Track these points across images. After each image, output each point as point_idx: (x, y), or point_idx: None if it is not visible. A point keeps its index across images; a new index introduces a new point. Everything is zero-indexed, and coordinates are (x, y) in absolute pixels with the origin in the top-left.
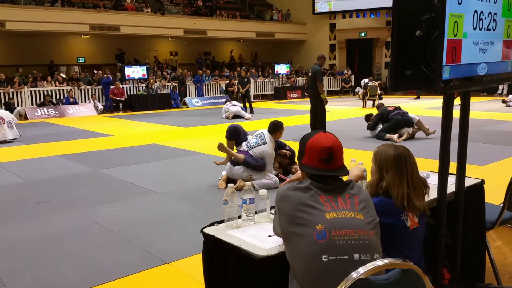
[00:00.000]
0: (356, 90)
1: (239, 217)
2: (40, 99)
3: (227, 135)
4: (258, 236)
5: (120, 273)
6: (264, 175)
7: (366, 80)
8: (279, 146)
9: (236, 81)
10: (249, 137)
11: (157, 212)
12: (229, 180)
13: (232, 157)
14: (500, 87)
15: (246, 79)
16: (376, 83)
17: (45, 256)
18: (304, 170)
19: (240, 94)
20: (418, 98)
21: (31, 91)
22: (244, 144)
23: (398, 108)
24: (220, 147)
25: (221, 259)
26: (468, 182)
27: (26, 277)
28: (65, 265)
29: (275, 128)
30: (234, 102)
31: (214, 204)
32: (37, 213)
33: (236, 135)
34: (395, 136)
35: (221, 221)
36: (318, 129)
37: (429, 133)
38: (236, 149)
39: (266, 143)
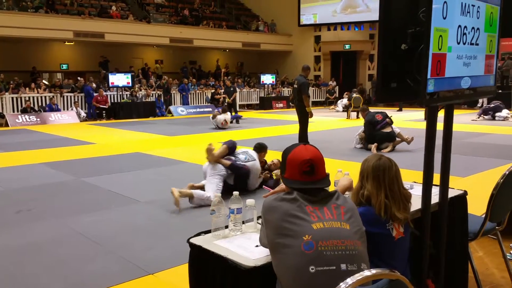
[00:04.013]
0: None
1: (226, 227)
2: (22, 106)
3: (230, 145)
4: (245, 246)
5: (102, 284)
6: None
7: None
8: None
9: (222, 91)
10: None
11: (140, 222)
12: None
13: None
14: (480, 100)
15: (232, 88)
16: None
17: (25, 266)
18: (287, 184)
19: (226, 104)
20: (400, 110)
21: (12, 98)
22: (231, 157)
23: (385, 117)
24: (209, 150)
25: (207, 270)
26: (451, 193)
27: None
28: (45, 276)
29: (261, 149)
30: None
31: (199, 214)
32: (17, 222)
33: (232, 150)
34: (373, 146)
35: (208, 231)
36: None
37: (409, 141)
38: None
39: (255, 160)
